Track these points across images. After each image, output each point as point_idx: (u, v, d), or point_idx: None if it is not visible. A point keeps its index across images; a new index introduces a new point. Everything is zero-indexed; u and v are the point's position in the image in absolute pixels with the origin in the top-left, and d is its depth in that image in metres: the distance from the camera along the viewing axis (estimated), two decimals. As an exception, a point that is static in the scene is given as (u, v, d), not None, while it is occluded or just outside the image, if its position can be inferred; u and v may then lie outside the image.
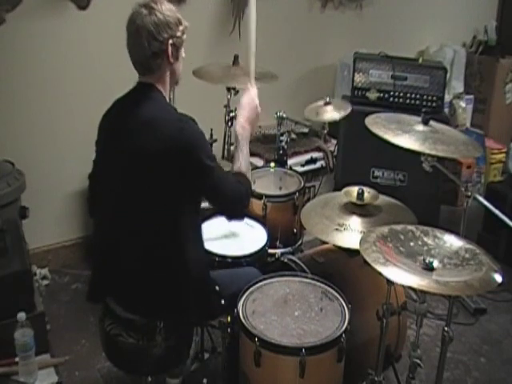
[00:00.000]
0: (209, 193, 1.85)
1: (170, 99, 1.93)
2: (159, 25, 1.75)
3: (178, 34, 1.79)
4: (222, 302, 1.96)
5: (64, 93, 3.08)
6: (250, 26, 2.10)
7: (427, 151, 1.94)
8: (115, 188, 1.85)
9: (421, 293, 1.79)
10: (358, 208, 2.23)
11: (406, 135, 2.02)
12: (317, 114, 2.70)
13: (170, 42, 1.77)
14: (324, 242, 2.42)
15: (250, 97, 2.05)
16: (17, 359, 2.01)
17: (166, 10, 1.77)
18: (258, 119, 2.05)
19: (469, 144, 2.08)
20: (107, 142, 1.88)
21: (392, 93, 3.44)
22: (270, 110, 3.11)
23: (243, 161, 1.93)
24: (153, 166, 1.75)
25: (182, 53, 1.86)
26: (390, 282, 1.85)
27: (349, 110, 2.70)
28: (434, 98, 3.42)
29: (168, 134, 1.73)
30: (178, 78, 1.90)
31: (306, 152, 3.65)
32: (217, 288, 1.95)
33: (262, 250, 2.36)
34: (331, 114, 2.72)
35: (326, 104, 2.71)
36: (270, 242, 2.45)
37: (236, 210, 1.92)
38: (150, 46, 1.76)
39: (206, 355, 2.47)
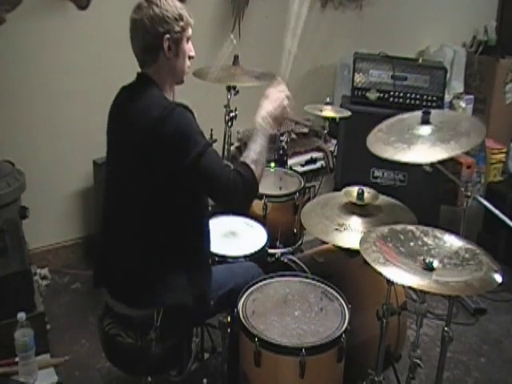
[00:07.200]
0: (200, 182, 1.76)
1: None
2: (154, 18, 1.75)
3: (177, 29, 1.78)
4: (212, 302, 1.93)
5: (64, 93, 3.08)
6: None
7: (427, 160, 1.93)
8: (113, 174, 1.87)
9: (421, 293, 1.79)
10: (358, 208, 2.23)
11: (406, 146, 1.97)
12: (320, 110, 2.72)
13: (167, 36, 1.77)
14: (324, 242, 2.43)
15: (277, 91, 1.94)
16: (17, 359, 2.01)
17: (167, 4, 1.78)
18: (284, 116, 1.93)
19: (470, 131, 2.00)
20: (110, 129, 1.91)
21: (392, 93, 3.44)
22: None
23: (253, 152, 1.81)
24: (141, 154, 1.74)
25: (186, 49, 1.84)
26: (390, 282, 1.85)
27: (348, 113, 2.74)
28: (434, 98, 3.41)
29: (153, 123, 1.71)
30: (180, 76, 1.87)
31: (306, 152, 3.65)
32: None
33: (262, 250, 2.36)
34: (331, 112, 2.74)
35: (327, 104, 2.73)
36: (270, 242, 2.45)
37: (232, 199, 1.77)
38: (143, 39, 1.78)
39: (206, 355, 2.48)
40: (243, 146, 3.63)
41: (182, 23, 1.80)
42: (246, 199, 1.85)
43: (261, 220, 2.60)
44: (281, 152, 3.03)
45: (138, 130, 1.74)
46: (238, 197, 1.76)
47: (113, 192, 1.90)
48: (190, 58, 1.88)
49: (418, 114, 2.08)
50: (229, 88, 2.74)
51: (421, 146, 1.97)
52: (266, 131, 1.87)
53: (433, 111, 2.08)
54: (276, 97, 1.92)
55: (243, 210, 1.84)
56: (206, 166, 1.72)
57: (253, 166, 1.78)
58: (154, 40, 1.77)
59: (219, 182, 1.73)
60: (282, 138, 3.02)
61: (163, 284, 1.82)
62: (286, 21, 2.04)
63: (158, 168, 1.73)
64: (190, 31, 1.85)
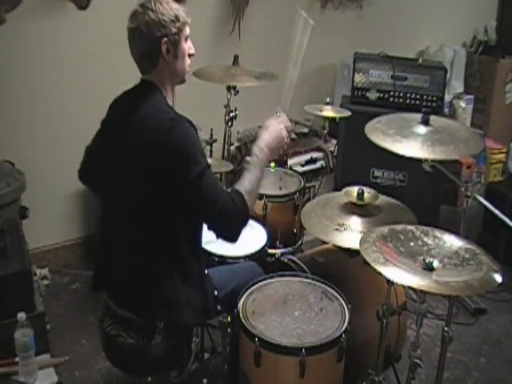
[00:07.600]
0: (196, 200, 1.75)
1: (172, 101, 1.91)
2: (151, 23, 1.74)
3: (174, 31, 1.77)
4: (219, 307, 1.94)
5: (64, 93, 3.08)
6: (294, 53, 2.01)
7: (425, 156, 1.93)
8: (111, 180, 1.87)
9: (421, 293, 1.79)
10: (358, 208, 2.23)
11: (405, 140, 1.98)
12: (320, 110, 2.73)
13: (165, 40, 1.76)
14: (324, 242, 2.42)
15: (276, 123, 1.97)
16: (17, 359, 2.01)
17: (162, 8, 1.76)
18: (281, 148, 1.96)
19: (469, 140, 2.03)
20: (107, 134, 1.90)
21: (392, 93, 3.44)
22: (270, 110, 3.13)
23: (248, 182, 1.82)
24: (143, 160, 1.74)
25: (185, 49, 1.83)
26: (390, 282, 1.85)
27: (348, 113, 2.74)
28: (434, 98, 3.42)
29: (156, 134, 1.71)
30: (182, 76, 1.86)
31: (306, 152, 3.65)
32: (215, 293, 1.93)
33: (262, 250, 2.36)
34: (331, 112, 2.74)
35: (327, 104, 2.73)
36: (270, 242, 2.46)
37: (220, 224, 1.78)
38: (141, 46, 1.77)
39: (206, 355, 2.48)
40: (243, 146, 3.64)
41: (178, 24, 1.78)
42: (235, 227, 1.81)
43: (261, 220, 2.60)
44: (281, 152, 3.03)
45: (140, 136, 1.74)
46: (227, 223, 1.78)
47: (112, 198, 1.89)
48: (191, 55, 1.87)
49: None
50: (229, 88, 2.74)
51: (419, 143, 1.98)
52: (263, 162, 1.89)
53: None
54: (275, 128, 1.95)
55: (230, 239, 1.82)
56: (205, 187, 1.72)
57: (246, 197, 1.80)
58: (152, 45, 1.76)
59: (214, 205, 1.73)
60: (281, 138, 3.02)
61: (163, 295, 1.81)
62: (289, 50, 2.05)
63: (158, 174, 1.73)
64: (187, 30, 1.83)
